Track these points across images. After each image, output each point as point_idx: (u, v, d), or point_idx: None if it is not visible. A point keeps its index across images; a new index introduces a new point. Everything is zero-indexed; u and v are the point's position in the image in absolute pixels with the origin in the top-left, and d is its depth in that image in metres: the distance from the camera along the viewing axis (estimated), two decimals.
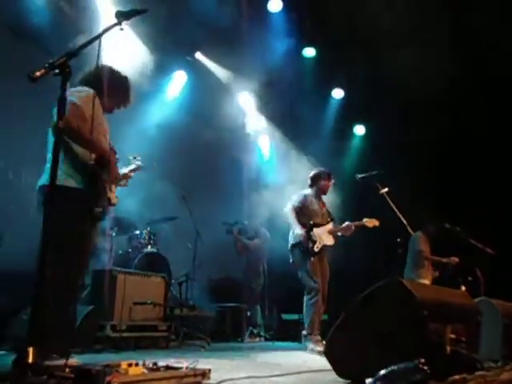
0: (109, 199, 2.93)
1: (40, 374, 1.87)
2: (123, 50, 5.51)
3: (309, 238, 4.99)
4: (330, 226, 5.20)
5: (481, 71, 6.27)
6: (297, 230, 4.98)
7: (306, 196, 5.25)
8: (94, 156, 2.79)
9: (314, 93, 7.28)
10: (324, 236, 5.09)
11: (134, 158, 3.52)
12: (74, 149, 2.74)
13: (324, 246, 5.04)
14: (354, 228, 5.18)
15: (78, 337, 3.47)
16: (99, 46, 2.39)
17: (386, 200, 5.12)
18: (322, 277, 4.99)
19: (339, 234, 5.22)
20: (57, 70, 2.04)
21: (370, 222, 5.22)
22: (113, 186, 3.05)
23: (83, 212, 2.69)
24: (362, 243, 6.55)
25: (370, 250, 6.91)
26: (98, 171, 2.78)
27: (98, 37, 2.33)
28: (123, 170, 3.32)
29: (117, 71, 3.15)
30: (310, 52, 7.16)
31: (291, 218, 5.07)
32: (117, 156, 3.08)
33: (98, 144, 2.82)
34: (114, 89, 3.05)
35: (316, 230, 5.06)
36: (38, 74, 1.97)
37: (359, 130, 8.48)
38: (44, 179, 2.72)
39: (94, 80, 2.93)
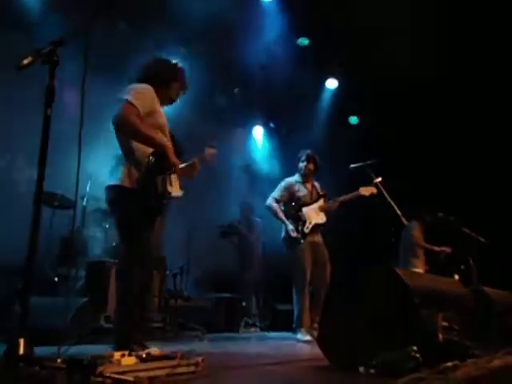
0: (169, 192, 2.87)
1: (32, 365, 1.87)
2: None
3: (298, 218, 4.77)
4: (320, 202, 4.93)
5: (479, 67, 6.22)
6: (288, 226, 4.76)
7: (290, 183, 4.99)
8: (151, 151, 2.79)
9: (308, 83, 7.24)
10: (314, 214, 4.83)
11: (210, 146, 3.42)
12: (134, 148, 2.77)
13: (316, 225, 4.78)
14: (338, 203, 4.90)
15: (71, 328, 3.47)
16: (88, 34, 2.36)
17: (379, 189, 5.06)
18: (316, 266, 4.74)
19: (330, 210, 4.94)
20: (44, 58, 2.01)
21: (367, 190, 4.87)
22: (174, 179, 2.96)
23: (137, 211, 2.74)
24: (355, 231, 6.56)
25: (363, 238, 6.92)
26: (154, 168, 2.77)
27: (87, 25, 2.30)
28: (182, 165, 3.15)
29: (167, 60, 3.15)
30: (303, 41, 7.10)
31: (277, 213, 4.86)
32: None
33: (155, 137, 2.82)
34: (171, 78, 3.07)
35: (305, 209, 4.82)
36: (25, 62, 1.95)
37: (353, 120, 8.47)
38: (110, 179, 2.80)
39: (150, 75, 2.96)
